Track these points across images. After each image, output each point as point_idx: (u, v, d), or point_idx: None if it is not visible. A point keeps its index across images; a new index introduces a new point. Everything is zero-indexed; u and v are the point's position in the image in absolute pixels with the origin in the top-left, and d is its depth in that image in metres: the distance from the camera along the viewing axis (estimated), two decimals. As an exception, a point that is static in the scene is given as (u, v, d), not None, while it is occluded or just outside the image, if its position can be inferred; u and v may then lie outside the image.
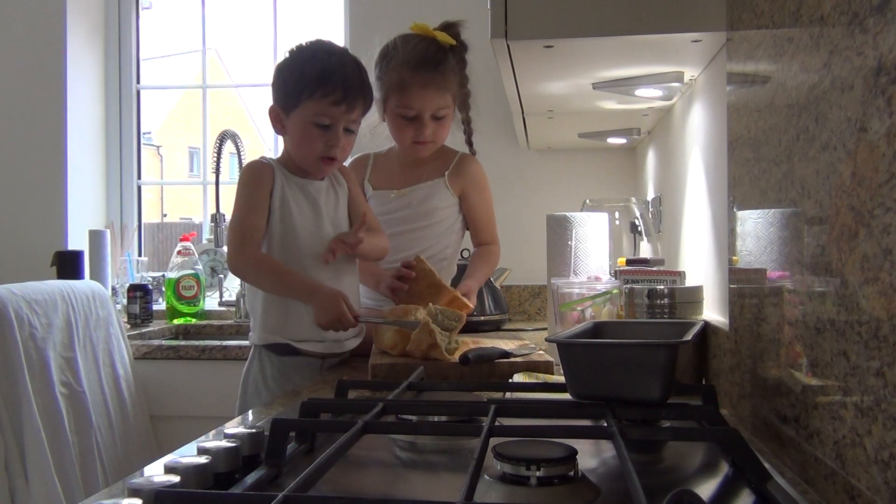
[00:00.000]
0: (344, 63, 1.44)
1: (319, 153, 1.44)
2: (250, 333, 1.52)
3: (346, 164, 1.67)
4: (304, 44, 1.50)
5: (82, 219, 2.74)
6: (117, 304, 2.48)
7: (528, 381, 1.19)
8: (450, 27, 1.67)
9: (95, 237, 2.63)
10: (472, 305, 1.60)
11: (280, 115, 1.47)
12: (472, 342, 1.52)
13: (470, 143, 1.81)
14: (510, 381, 1.20)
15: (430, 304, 1.45)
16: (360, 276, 1.63)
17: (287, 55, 1.48)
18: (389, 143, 1.77)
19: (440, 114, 1.65)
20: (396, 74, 1.63)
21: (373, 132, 1.75)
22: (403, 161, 1.78)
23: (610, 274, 1.52)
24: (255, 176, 1.46)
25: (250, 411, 1.19)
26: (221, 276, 2.69)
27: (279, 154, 1.55)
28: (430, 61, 1.62)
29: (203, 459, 0.70)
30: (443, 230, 1.77)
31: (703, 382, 1.20)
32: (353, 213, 1.57)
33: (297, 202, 1.47)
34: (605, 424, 0.77)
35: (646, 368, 0.84)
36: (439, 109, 1.64)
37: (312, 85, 1.40)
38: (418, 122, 1.65)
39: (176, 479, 0.65)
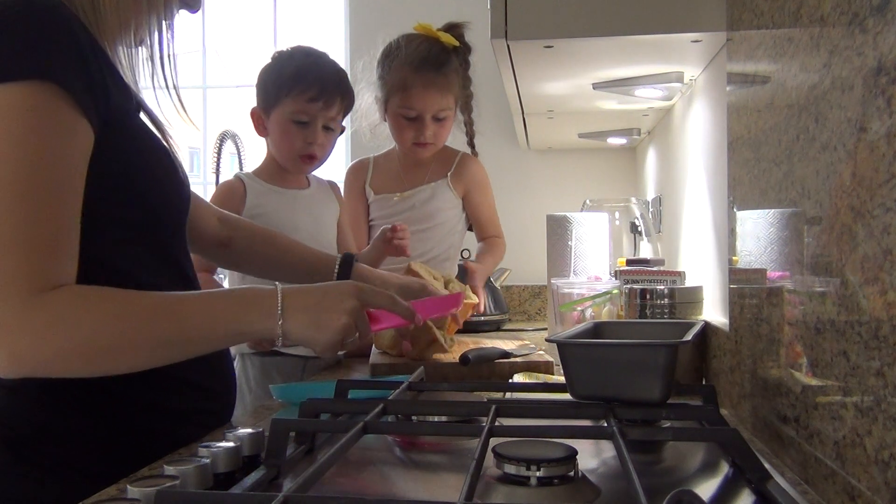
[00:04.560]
0: (320, 62, 1.48)
1: (298, 150, 1.47)
2: None
3: (344, 167, 1.70)
4: (284, 49, 1.54)
5: (82, 219, 2.74)
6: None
7: (528, 381, 1.19)
8: (453, 28, 1.68)
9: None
10: (479, 299, 1.63)
11: (261, 117, 1.50)
12: (472, 342, 1.52)
13: (472, 145, 1.81)
14: (510, 381, 1.20)
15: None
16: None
17: (269, 60, 1.52)
18: (389, 143, 1.77)
19: (441, 115, 1.65)
20: (399, 74, 1.63)
21: (373, 132, 1.75)
22: (405, 163, 1.78)
23: (610, 274, 1.52)
24: (221, 197, 1.51)
25: (247, 412, 1.19)
26: (221, 276, 2.69)
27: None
28: (433, 62, 1.62)
29: (203, 459, 0.70)
30: (446, 231, 1.77)
31: (703, 382, 1.20)
32: (340, 239, 1.60)
33: (278, 210, 1.50)
34: (605, 424, 0.77)
35: (646, 368, 0.84)
36: (441, 111, 1.65)
37: (289, 83, 1.44)
38: (419, 123, 1.65)
39: (176, 479, 0.65)
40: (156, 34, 0.89)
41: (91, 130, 0.79)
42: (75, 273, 0.77)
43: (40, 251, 0.73)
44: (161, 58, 0.90)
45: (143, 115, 0.93)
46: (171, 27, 0.92)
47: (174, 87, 0.91)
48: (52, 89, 0.75)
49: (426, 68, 1.62)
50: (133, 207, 0.87)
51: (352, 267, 1.22)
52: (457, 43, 1.66)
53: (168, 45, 0.91)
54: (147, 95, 0.93)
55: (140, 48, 0.90)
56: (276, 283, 0.86)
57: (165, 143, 0.93)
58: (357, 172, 1.82)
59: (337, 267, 1.22)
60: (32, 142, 0.74)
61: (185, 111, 0.94)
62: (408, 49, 1.64)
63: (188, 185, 0.97)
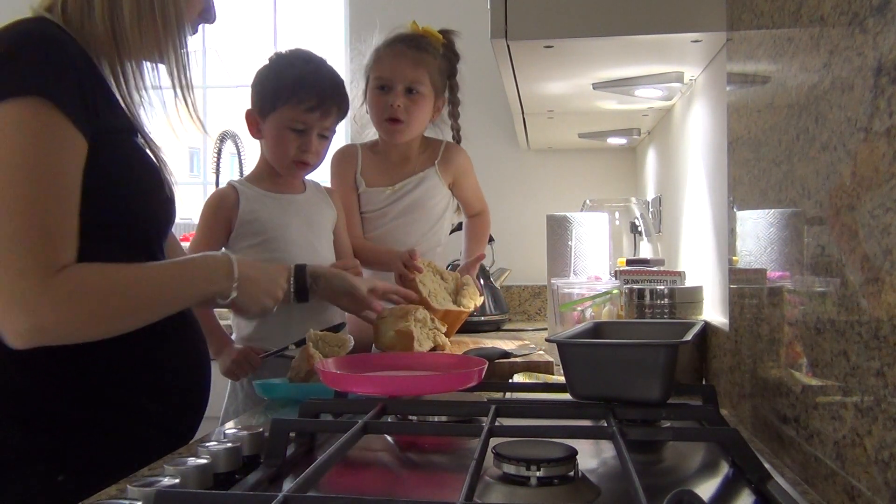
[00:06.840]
0: (319, 71, 1.47)
1: (292, 157, 1.47)
2: (233, 335, 1.54)
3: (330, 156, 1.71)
4: (283, 52, 1.53)
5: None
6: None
7: (528, 381, 1.19)
8: (444, 33, 1.71)
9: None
10: (475, 301, 1.64)
11: (256, 120, 1.50)
12: (472, 342, 1.52)
13: (458, 141, 1.83)
14: (510, 381, 1.20)
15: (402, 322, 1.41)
16: (370, 264, 1.64)
17: (266, 62, 1.52)
18: (373, 133, 1.78)
19: (413, 88, 1.64)
20: (376, 53, 1.67)
21: (355, 117, 1.76)
22: (392, 158, 1.78)
23: (610, 274, 1.52)
24: (212, 205, 1.53)
25: (248, 413, 1.19)
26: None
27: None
28: (407, 38, 1.65)
29: (203, 459, 0.70)
30: (435, 219, 1.78)
31: (703, 382, 1.21)
32: (337, 245, 1.59)
33: (271, 216, 1.49)
34: (605, 424, 0.77)
35: (646, 368, 0.84)
36: (412, 83, 1.63)
37: (288, 91, 1.44)
38: (390, 95, 1.64)
39: (176, 479, 0.65)
40: (172, 55, 1.02)
41: (84, 141, 0.90)
42: (76, 253, 0.88)
43: (51, 236, 0.86)
44: (180, 70, 1.04)
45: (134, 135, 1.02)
46: (186, 45, 1.04)
47: (189, 89, 1.07)
48: (45, 104, 0.86)
49: (399, 42, 1.65)
50: (114, 218, 0.96)
51: None
52: (441, 38, 1.68)
53: (187, 62, 1.05)
54: (163, 96, 1.05)
55: (156, 63, 1.04)
56: (224, 249, 1.03)
57: (156, 161, 1.03)
58: (347, 158, 1.79)
59: None
60: (32, 146, 0.86)
61: (197, 115, 1.09)
62: (388, 36, 1.68)
63: (173, 203, 1.07)
